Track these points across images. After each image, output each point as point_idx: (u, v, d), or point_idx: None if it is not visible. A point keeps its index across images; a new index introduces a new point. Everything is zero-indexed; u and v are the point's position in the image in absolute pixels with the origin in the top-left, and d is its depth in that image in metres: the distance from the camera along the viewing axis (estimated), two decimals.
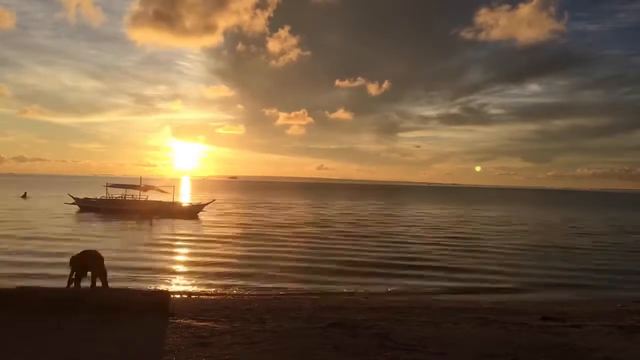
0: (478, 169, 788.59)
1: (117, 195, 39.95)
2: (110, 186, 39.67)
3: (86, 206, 38.83)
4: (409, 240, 25.46)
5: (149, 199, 39.09)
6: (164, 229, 29.02)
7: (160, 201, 38.87)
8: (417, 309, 10.07)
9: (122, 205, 38.37)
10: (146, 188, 39.13)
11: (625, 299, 13.04)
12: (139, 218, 33.65)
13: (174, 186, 42.23)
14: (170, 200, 39.11)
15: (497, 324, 8.56)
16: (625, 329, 8.48)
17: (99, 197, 40.06)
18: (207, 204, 39.84)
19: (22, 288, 8.68)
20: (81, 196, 42.22)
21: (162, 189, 39.72)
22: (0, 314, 7.60)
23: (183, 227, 29.64)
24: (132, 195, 39.72)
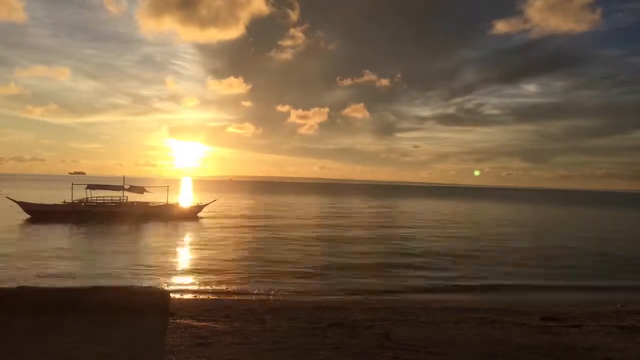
0: (477, 173, 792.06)
1: (95, 198, 35.14)
2: (89, 187, 35.07)
3: (41, 212, 32.58)
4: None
5: (128, 200, 35.40)
6: (149, 233, 29.01)
7: (145, 203, 35.77)
8: (417, 309, 10.07)
9: (94, 209, 33.54)
10: (131, 189, 35.67)
11: (625, 299, 13.04)
12: (118, 223, 30.13)
13: (168, 186, 40.66)
14: (164, 201, 36.57)
15: (497, 324, 8.56)
16: (625, 329, 8.47)
17: (66, 201, 34.11)
18: (205, 205, 38.68)
19: (22, 288, 8.68)
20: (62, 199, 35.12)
21: (147, 188, 36.22)
22: (0, 314, 7.60)
23: (180, 227, 29.61)
24: (108, 197, 35.52)
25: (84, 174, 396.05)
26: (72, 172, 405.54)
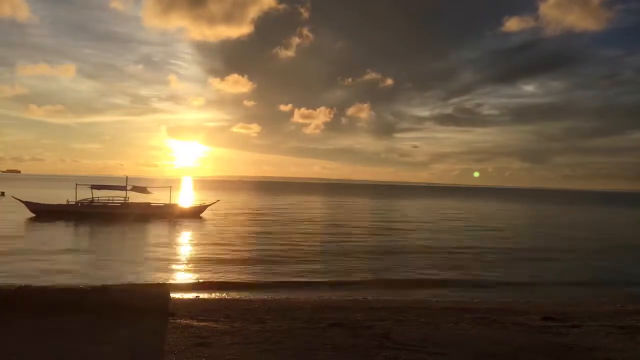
0: (476, 174, 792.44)
1: (98, 198, 35.39)
2: (93, 187, 35.27)
3: (46, 211, 33.13)
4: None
5: (130, 200, 35.80)
6: (154, 232, 29.02)
7: (148, 203, 36.22)
8: (417, 309, 10.07)
9: (96, 209, 34.05)
10: (134, 189, 35.98)
11: (625, 299, 13.05)
12: (121, 223, 30.14)
13: (170, 186, 40.78)
14: (167, 201, 36.87)
15: (497, 324, 8.56)
16: (625, 329, 8.47)
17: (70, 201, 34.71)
18: (207, 205, 38.74)
19: (22, 288, 8.68)
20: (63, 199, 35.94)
21: (149, 189, 36.45)
22: (0, 314, 7.60)
23: (184, 227, 29.62)
24: (111, 198, 35.93)
25: (19, 172, 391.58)
26: (5, 170, 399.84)
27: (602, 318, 9.59)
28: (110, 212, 33.98)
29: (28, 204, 34.28)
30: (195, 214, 36.67)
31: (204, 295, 12.27)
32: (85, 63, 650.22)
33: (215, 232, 27.05)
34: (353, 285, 14.37)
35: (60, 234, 25.10)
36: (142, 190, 36.52)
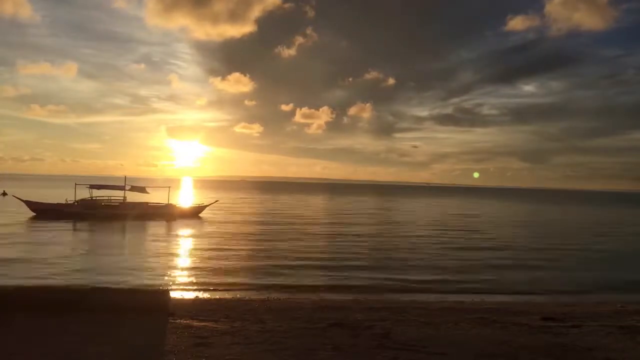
0: (476, 175, 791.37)
1: (96, 198, 35.35)
2: (92, 187, 35.36)
3: (46, 210, 33.43)
4: None
5: (129, 200, 35.72)
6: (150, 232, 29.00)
7: (146, 203, 36.19)
8: (417, 309, 10.07)
9: (94, 209, 34.01)
10: (132, 189, 36.10)
11: (625, 299, 13.04)
12: (120, 223, 30.28)
13: (169, 187, 40.71)
14: (165, 201, 36.67)
15: (497, 324, 8.56)
16: (625, 329, 8.46)
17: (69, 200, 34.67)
18: (206, 205, 38.72)
19: (22, 288, 8.69)
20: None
21: (148, 189, 36.59)
22: (0, 314, 7.60)
23: (182, 227, 29.61)
24: (109, 198, 35.99)
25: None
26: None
27: (602, 318, 9.59)
28: (108, 212, 34.16)
29: (28, 204, 34.77)
30: (193, 214, 36.71)
31: (203, 295, 12.26)
32: (85, 63, 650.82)
33: (213, 232, 27.04)
34: (353, 285, 14.35)
35: (60, 233, 25.10)
36: (141, 190, 36.61)
